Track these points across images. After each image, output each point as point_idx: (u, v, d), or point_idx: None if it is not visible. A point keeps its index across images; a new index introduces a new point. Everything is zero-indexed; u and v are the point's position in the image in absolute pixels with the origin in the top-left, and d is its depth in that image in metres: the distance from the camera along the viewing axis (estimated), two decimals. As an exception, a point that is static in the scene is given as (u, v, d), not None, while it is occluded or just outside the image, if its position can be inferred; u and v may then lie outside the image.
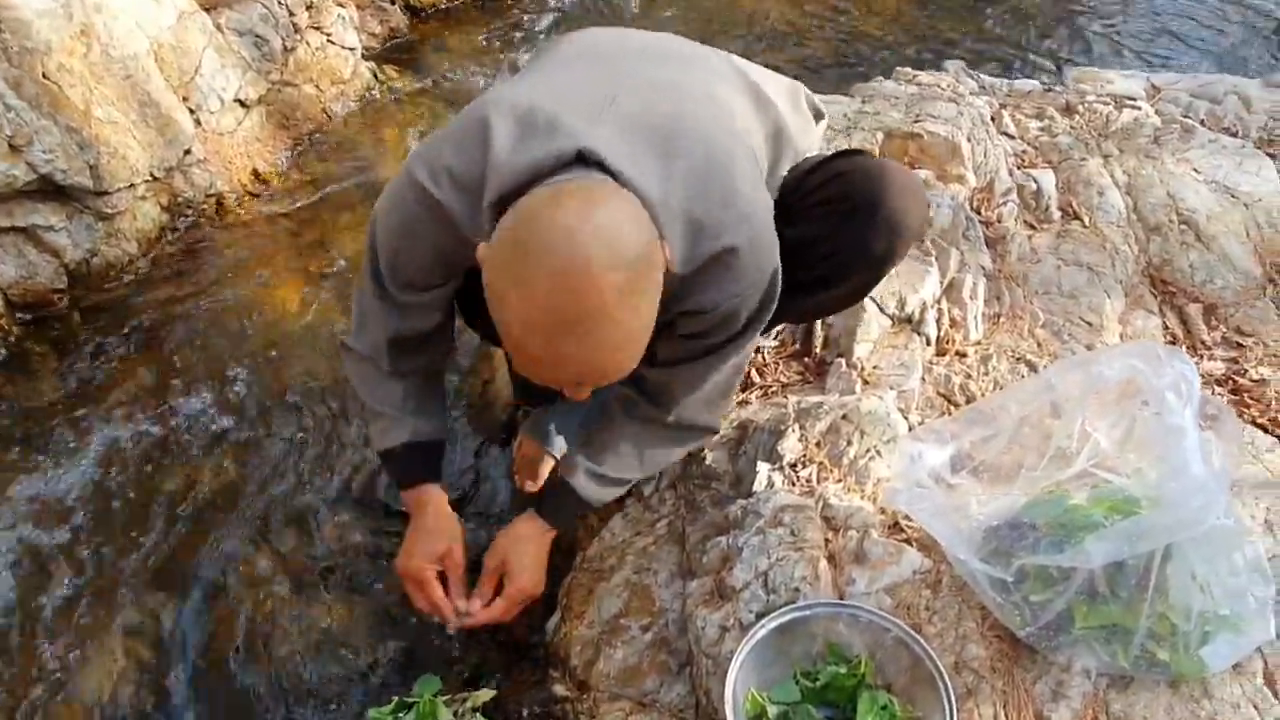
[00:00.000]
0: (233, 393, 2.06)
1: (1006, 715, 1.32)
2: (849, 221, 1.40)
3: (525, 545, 1.51)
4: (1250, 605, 1.30)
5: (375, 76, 3.01)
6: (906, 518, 1.57)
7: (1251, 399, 1.93)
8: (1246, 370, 2.00)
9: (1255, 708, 1.30)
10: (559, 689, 1.56)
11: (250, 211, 2.50)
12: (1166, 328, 2.09)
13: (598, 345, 1.03)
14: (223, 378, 2.09)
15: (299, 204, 2.55)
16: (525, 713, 1.57)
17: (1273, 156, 2.50)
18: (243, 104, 2.59)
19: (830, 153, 1.52)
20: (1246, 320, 2.12)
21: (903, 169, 1.46)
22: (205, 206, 2.43)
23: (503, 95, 1.26)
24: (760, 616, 1.39)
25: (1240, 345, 2.07)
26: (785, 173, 1.48)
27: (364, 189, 2.64)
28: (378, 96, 2.97)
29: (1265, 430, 1.85)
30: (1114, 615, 1.33)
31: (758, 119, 1.40)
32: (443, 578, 1.48)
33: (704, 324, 1.29)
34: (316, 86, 2.80)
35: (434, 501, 1.51)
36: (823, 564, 1.48)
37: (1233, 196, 2.34)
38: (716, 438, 1.75)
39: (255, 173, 2.57)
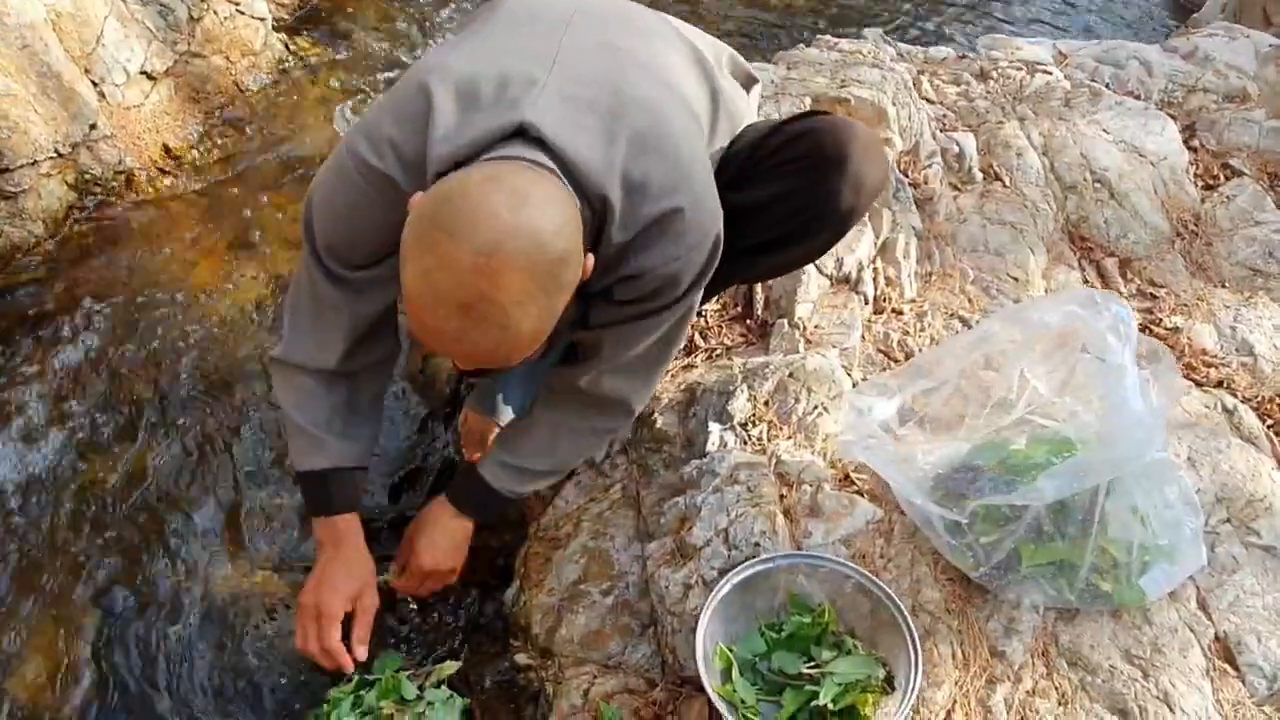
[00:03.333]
0: (153, 380, 1.97)
1: (963, 652, 1.37)
2: (814, 178, 1.40)
3: (431, 527, 1.49)
4: (1185, 535, 1.38)
5: (287, 48, 2.90)
6: (857, 470, 1.60)
7: (1167, 347, 2.03)
8: (1161, 319, 2.10)
9: (1191, 630, 1.38)
10: (521, 658, 1.55)
11: (163, 189, 2.38)
12: (1086, 281, 2.18)
13: (484, 334, 1.03)
14: (141, 364, 1.99)
15: (214, 180, 2.44)
16: (489, 683, 1.56)
17: (1173, 117, 2.63)
18: (149, 76, 2.46)
19: (789, 116, 1.52)
20: (1158, 272, 2.23)
21: (864, 128, 1.47)
22: (115, 184, 2.30)
23: (443, 62, 1.23)
24: (723, 573, 1.41)
25: (1154, 296, 2.17)
26: (723, 140, 1.48)
27: (281, 164, 2.54)
28: (291, 68, 2.86)
29: (1181, 376, 1.95)
30: (1060, 552, 1.39)
31: (698, 83, 1.40)
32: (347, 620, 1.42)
33: (644, 288, 1.27)
34: (226, 58, 2.68)
35: (352, 536, 1.44)
36: (780, 519, 1.51)
37: (1140, 155, 2.44)
38: (665, 401, 1.76)
39: (166, 148, 2.45)
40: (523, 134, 1.12)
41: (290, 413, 1.42)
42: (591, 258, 1.13)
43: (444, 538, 1.50)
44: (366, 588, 1.43)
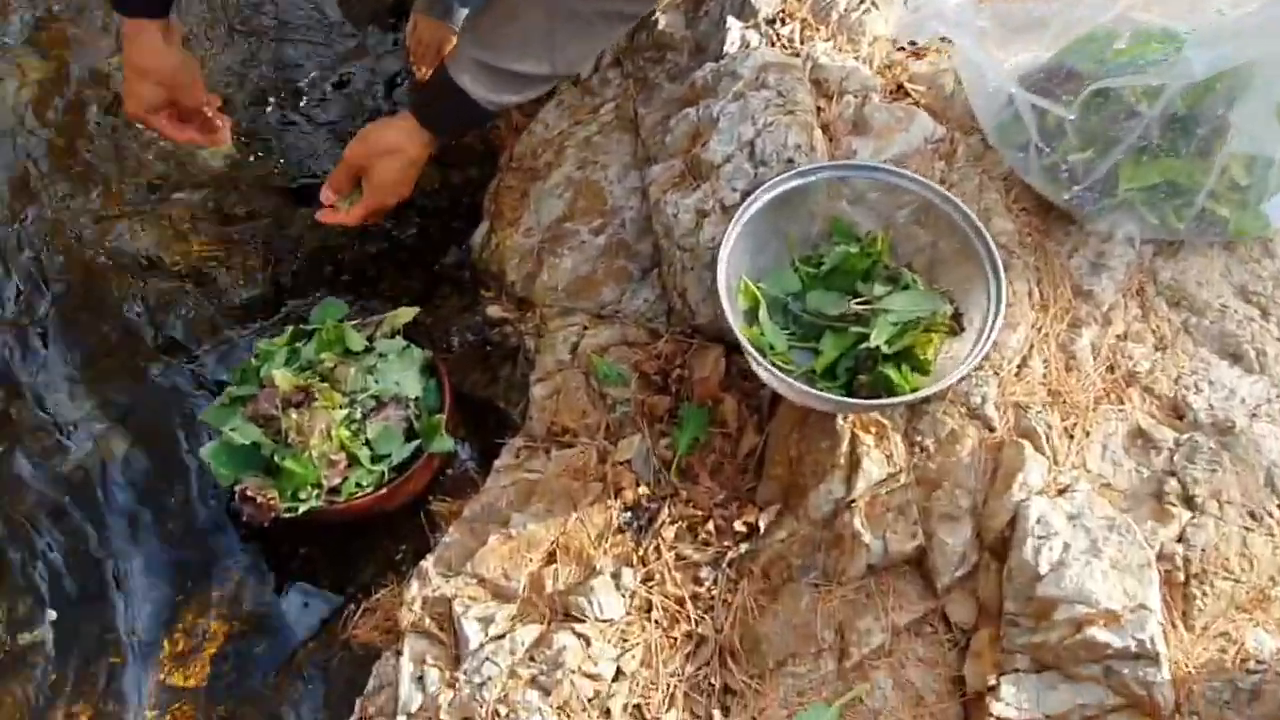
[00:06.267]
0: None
1: (1041, 292, 1.11)
2: None
3: (393, 158, 1.20)
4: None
5: None
6: (912, 80, 1.27)
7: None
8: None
9: (1323, 263, 1.12)
10: (494, 310, 1.28)
11: None
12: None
13: None
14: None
15: None
16: (455, 342, 1.30)
17: None
18: None
19: None
20: None
21: None
22: None
23: None
24: (747, 194, 1.10)
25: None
26: None
27: None
28: None
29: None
30: (1172, 169, 1.09)
31: None
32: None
33: None
34: None
35: (144, 37, 1.22)
36: (817, 133, 1.18)
37: None
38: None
39: None
40: None
41: None
42: None
43: (407, 169, 1.21)
44: (173, 87, 1.24)
